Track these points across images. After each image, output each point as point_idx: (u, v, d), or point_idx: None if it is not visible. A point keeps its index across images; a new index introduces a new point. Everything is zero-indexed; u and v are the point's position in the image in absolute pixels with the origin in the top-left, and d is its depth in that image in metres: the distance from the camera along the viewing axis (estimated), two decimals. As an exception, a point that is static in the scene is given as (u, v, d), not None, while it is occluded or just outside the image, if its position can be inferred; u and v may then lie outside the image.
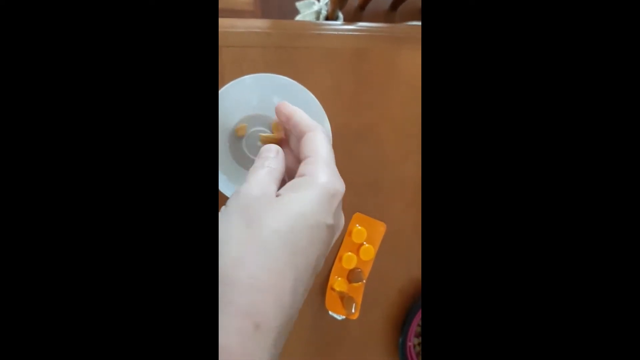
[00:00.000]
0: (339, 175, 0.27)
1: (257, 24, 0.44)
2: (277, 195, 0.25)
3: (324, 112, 0.41)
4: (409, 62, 0.48)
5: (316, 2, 0.76)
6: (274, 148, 0.29)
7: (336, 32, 0.46)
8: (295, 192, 0.25)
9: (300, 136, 0.30)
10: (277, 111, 0.32)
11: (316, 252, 0.24)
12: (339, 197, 0.26)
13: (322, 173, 0.26)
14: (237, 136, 0.43)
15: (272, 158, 0.28)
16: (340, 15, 0.75)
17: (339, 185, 0.26)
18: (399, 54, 0.47)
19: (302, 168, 0.27)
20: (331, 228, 0.25)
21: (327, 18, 0.75)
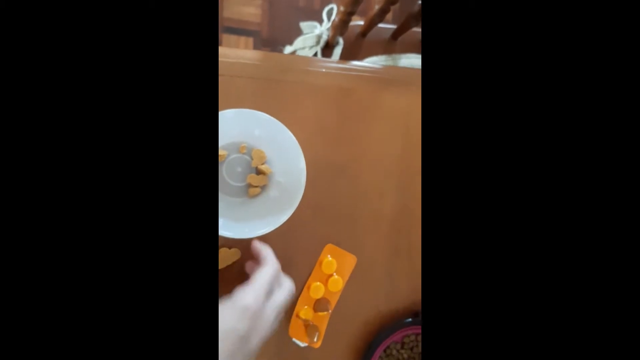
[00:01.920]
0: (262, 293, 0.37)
1: (248, 55, 0.46)
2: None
3: (300, 150, 0.42)
4: (392, 103, 0.49)
5: (318, 26, 0.77)
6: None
7: (324, 70, 0.47)
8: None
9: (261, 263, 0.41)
10: (252, 246, 0.43)
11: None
12: (252, 309, 0.36)
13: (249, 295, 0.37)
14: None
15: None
16: (341, 41, 0.76)
17: (252, 303, 0.36)
18: (383, 94, 0.49)
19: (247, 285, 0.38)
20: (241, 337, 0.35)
21: (327, 43, 0.76)
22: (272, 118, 0.41)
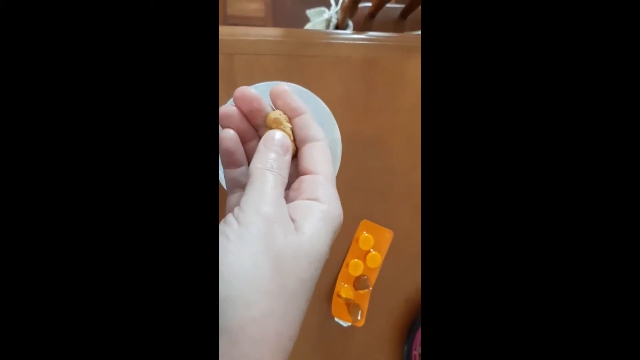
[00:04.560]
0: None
1: (270, 33, 0.45)
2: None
3: (334, 120, 0.41)
4: (418, 71, 0.48)
5: (326, 11, 0.77)
6: (285, 144, 0.26)
7: (346, 41, 0.46)
8: (313, 227, 0.23)
9: (301, 140, 0.27)
10: (277, 98, 0.28)
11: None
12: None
13: (335, 202, 0.25)
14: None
15: (281, 159, 0.25)
16: (350, 23, 0.75)
17: (341, 212, 0.25)
18: (408, 63, 0.48)
19: (309, 187, 0.25)
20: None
21: (337, 26, 0.76)
22: (303, 88, 0.40)
